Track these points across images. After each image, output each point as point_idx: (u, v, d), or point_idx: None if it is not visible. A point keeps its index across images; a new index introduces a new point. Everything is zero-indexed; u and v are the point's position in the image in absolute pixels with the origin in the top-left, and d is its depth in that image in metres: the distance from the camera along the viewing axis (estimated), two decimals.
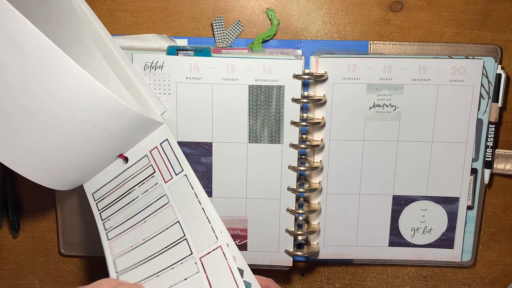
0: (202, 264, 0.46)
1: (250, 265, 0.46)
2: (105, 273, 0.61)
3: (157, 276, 0.47)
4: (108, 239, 0.50)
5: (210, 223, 0.47)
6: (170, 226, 0.48)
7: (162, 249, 0.48)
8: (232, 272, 0.46)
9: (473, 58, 0.52)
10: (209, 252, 0.47)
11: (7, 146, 0.43)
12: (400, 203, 0.56)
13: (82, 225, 0.58)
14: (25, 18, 0.38)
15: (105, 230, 0.50)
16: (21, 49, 0.39)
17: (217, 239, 0.47)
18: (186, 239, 0.47)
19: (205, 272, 0.46)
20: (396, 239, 0.56)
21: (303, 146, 0.53)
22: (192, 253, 0.47)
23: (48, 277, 0.61)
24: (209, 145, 0.53)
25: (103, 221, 0.51)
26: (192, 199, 0.49)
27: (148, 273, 0.47)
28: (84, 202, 0.57)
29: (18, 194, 0.59)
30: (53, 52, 0.39)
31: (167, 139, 0.50)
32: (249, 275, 0.47)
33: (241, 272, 0.47)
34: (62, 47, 0.39)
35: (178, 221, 0.48)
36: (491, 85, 0.53)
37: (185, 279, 0.46)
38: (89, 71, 0.41)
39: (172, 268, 0.47)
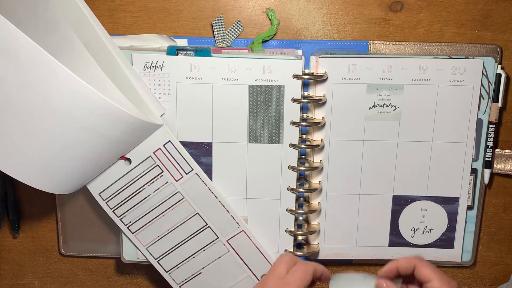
0: (230, 245, 0.54)
1: None
2: (104, 274, 0.61)
3: (193, 257, 0.55)
4: (133, 233, 0.54)
5: (229, 212, 0.53)
6: (191, 217, 0.54)
7: (188, 237, 0.54)
8: (258, 249, 0.54)
9: (473, 58, 0.52)
10: (234, 236, 0.54)
11: (8, 155, 0.43)
12: (400, 203, 0.55)
13: (82, 225, 0.58)
14: (18, 30, 0.38)
15: (125, 225, 0.54)
16: (16, 60, 0.39)
17: (238, 225, 0.54)
18: (209, 227, 0.54)
19: (235, 251, 0.54)
20: (396, 239, 0.56)
21: (303, 146, 0.53)
22: (218, 237, 0.54)
23: (48, 277, 0.61)
24: (209, 145, 0.53)
25: (120, 218, 0.54)
26: (208, 195, 0.53)
27: (184, 256, 0.55)
28: (84, 202, 0.57)
29: (18, 194, 0.59)
30: (48, 61, 0.39)
31: (170, 141, 0.51)
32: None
33: None
34: (54, 56, 0.40)
35: (198, 213, 0.53)
36: (491, 85, 0.53)
37: (219, 257, 0.55)
38: (84, 78, 0.41)
39: (204, 250, 0.54)
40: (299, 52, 0.53)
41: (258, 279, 0.55)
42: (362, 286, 0.49)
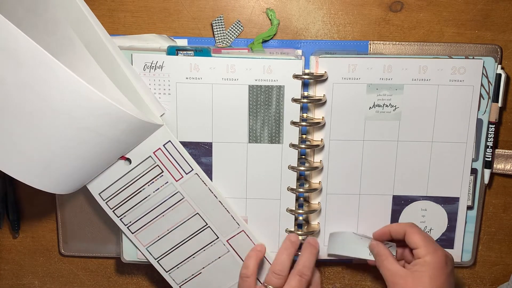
0: (230, 245, 0.54)
1: None
2: (104, 274, 0.61)
3: (193, 257, 0.55)
4: (133, 233, 0.54)
5: (229, 212, 0.53)
6: (190, 217, 0.54)
7: (188, 237, 0.54)
8: None
9: (473, 58, 0.52)
10: (233, 236, 0.54)
11: (8, 155, 0.43)
12: (400, 203, 0.55)
13: (82, 225, 0.58)
14: (18, 30, 0.38)
15: (125, 225, 0.54)
16: (15, 60, 0.39)
17: (238, 225, 0.54)
18: (209, 227, 0.54)
19: (235, 251, 0.54)
20: None
21: (303, 146, 0.53)
22: (218, 237, 0.54)
23: (48, 277, 0.61)
24: (209, 145, 0.53)
25: (120, 218, 0.54)
26: (208, 195, 0.53)
27: (184, 256, 0.55)
28: (84, 202, 0.57)
29: (18, 194, 0.59)
30: (48, 61, 0.39)
31: (170, 141, 0.51)
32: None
33: None
34: (54, 56, 0.40)
35: (198, 213, 0.53)
36: (491, 85, 0.53)
37: (219, 257, 0.55)
38: (84, 78, 0.41)
39: (204, 250, 0.55)
40: (299, 52, 0.53)
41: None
42: (357, 245, 0.52)
